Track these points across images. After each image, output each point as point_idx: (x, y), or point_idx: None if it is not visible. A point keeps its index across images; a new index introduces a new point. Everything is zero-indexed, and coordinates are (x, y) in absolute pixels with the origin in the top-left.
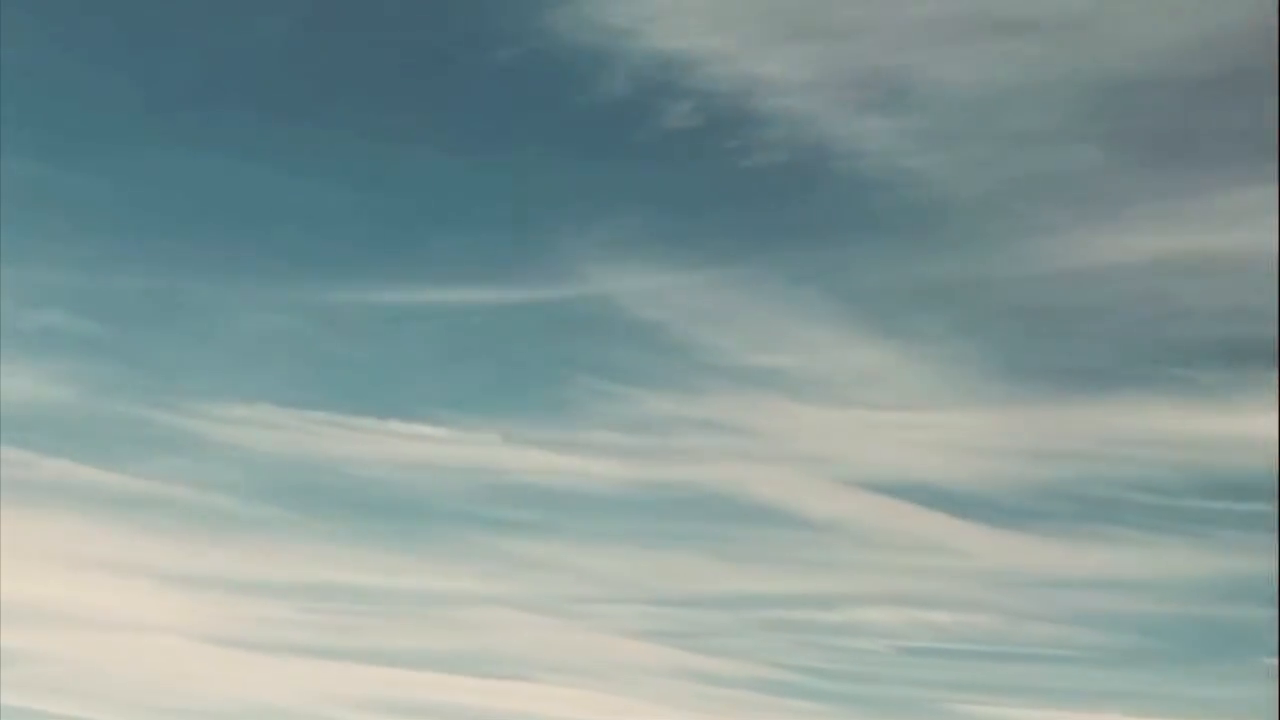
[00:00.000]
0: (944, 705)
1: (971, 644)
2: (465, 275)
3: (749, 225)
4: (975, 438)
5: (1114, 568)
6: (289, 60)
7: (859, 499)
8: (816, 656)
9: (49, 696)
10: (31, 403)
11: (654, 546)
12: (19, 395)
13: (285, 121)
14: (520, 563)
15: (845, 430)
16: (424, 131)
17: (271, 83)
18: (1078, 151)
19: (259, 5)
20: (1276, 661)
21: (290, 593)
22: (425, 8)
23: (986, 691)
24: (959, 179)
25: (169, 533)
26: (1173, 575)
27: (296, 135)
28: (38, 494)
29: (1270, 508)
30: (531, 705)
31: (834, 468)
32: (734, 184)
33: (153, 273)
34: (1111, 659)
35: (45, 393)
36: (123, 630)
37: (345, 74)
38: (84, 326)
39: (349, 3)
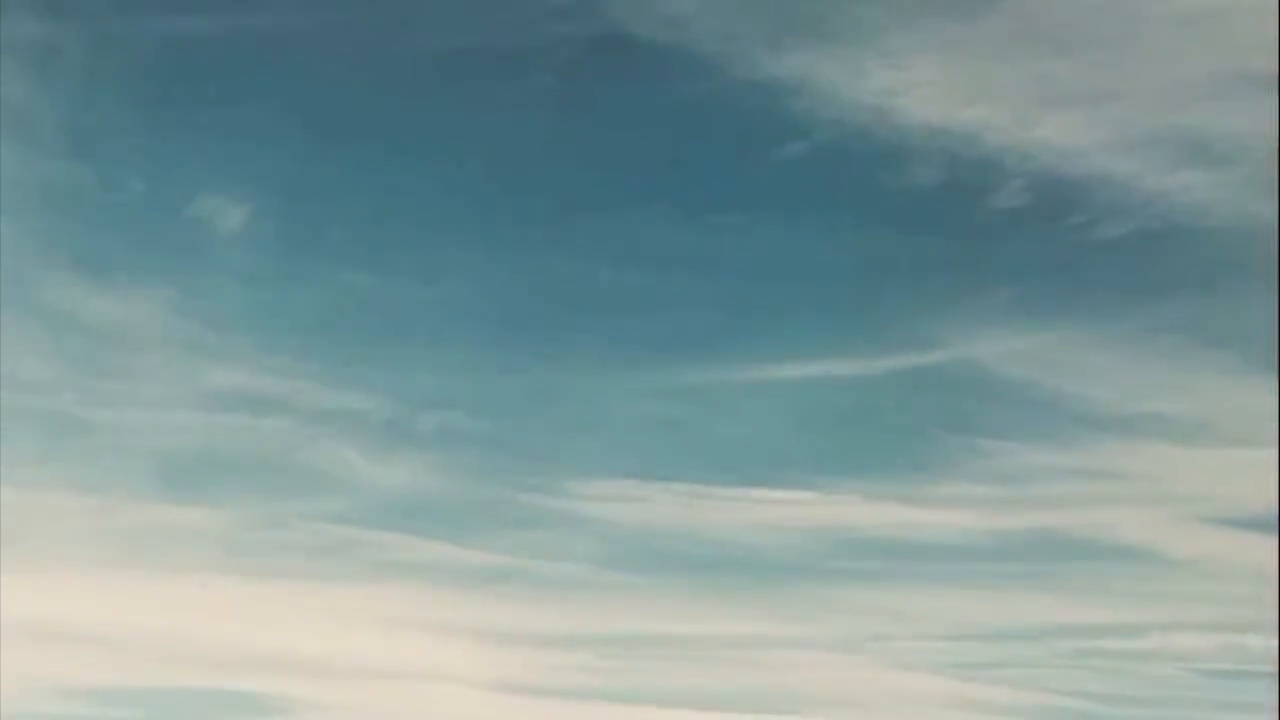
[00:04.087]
0: None
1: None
2: (826, 350)
3: (1114, 286)
4: None
5: None
6: (614, 160)
7: (1222, 536)
8: (1111, 683)
9: None
10: (404, 491)
11: (985, 586)
12: (391, 485)
13: (621, 216)
14: (837, 608)
15: (1220, 470)
16: (749, 221)
17: (600, 181)
18: None
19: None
20: (1276, 663)
21: (599, 643)
22: (697, 112)
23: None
24: None
25: (508, 598)
26: None
27: (631, 228)
28: (402, 572)
29: None
30: None
31: (1203, 506)
32: (1092, 252)
33: (530, 369)
34: None
35: (418, 482)
36: (421, 680)
37: (663, 169)
38: (475, 425)
39: (639, 102)
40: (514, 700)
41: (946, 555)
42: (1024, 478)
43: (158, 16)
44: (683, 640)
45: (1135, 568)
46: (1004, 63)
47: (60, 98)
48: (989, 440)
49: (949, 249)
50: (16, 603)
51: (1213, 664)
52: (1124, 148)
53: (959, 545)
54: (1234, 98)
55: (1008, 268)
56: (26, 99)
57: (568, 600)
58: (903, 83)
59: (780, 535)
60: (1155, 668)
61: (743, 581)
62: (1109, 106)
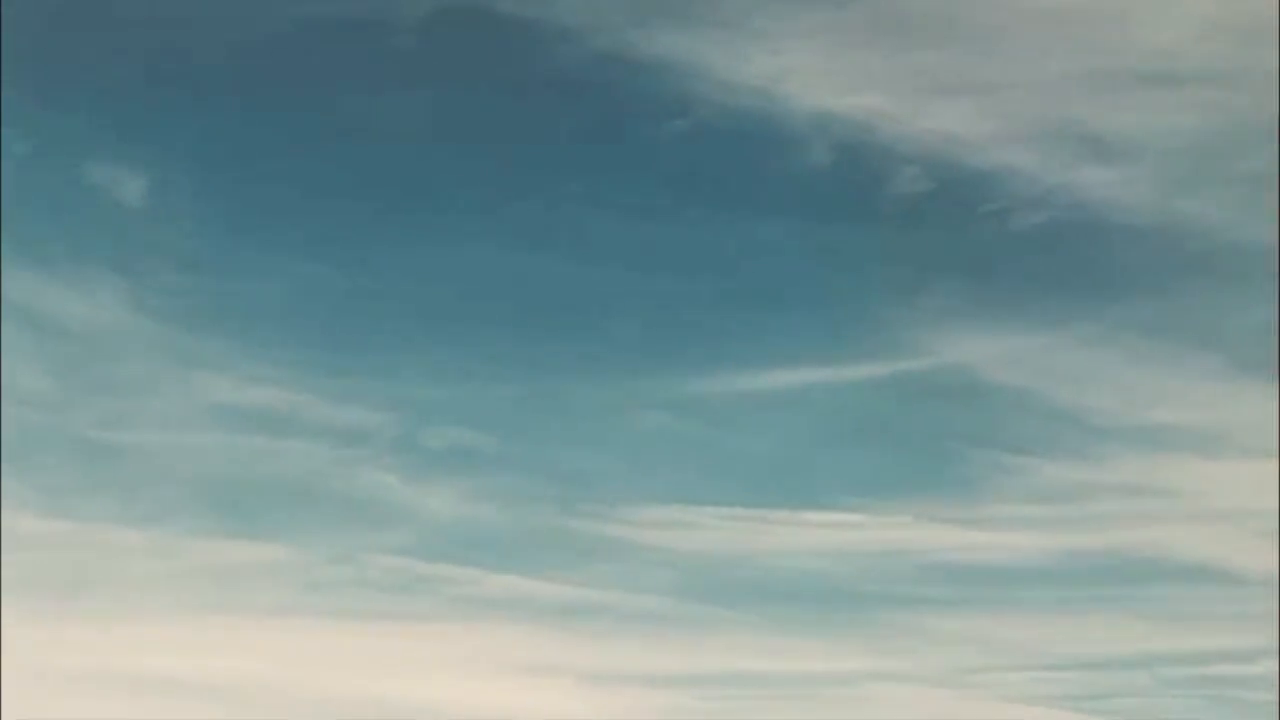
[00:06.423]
0: None
1: None
2: (801, 356)
3: (1060, 284)
4: None
5: None
6: (596, 166)
7: None
8: (1225, 713)
9: None
10: (458, 520)
11: (1069, 612)
12: (445, 515)
13: (603, 218)
14: (926, 638)
15: (1262, 483)
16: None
17: (585, 183)
18: None
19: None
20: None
21: (697, 683)
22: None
23: None
24: (1244, 223)
25: (600, 635)
26: None
27: (612, 229)
28: (483, 608)
29: None
30: None
31: (1259, 521)
32: (1018, 245)
33: (531, 378)
34: None
35: (468, 510)
36: None
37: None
38: (486, 441)
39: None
40: None
41: (1019, 580)
42: (1065, 496)
43: None
44: (782, 678)
45: (1215, 588)
46: (877, 51)
47: None
48: (1010, 455)
49: (864, 237)
50: (112, 652)
51: None
52: (1015, 139)
53: (1028, 569)
54: (1113, 93)
55: (938, 259)
56: None
57: (657, 636)
58: (782, 68)
59: (845, 561)
60: (1271, 695)
61: (823, 611)
62: (991, 98)
